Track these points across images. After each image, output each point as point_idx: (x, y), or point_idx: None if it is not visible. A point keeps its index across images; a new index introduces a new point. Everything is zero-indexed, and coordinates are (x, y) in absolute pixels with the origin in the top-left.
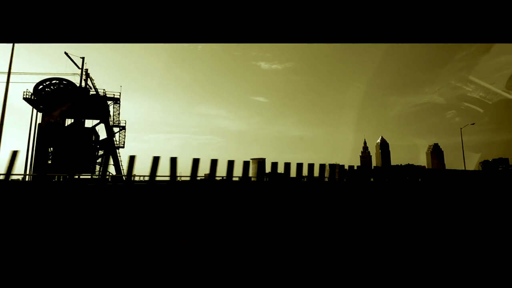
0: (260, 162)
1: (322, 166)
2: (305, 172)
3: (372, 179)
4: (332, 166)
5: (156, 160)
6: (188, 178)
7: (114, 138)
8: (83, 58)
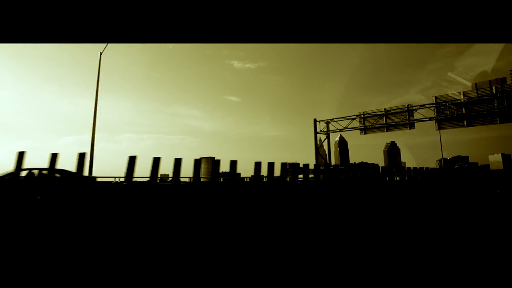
0: (215, 161)
1: (270, 165)
2: (264, 171)
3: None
4: (283, 164)
5: (81, 156)
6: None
7: None
8: None
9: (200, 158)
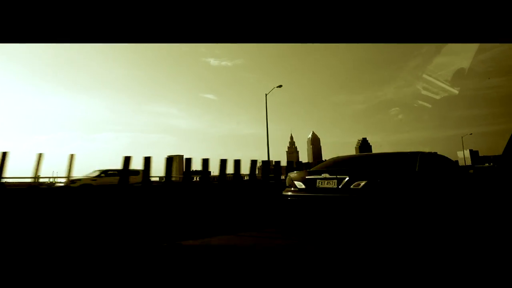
0: (187, 159)
1: (236, 162)
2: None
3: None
4: (253, 161)
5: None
6: None
7: None
8: None
9: (171, 157)
